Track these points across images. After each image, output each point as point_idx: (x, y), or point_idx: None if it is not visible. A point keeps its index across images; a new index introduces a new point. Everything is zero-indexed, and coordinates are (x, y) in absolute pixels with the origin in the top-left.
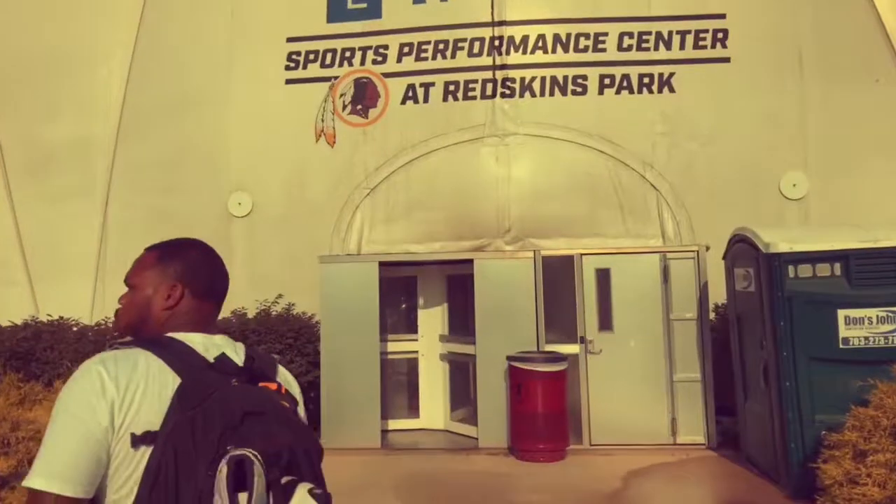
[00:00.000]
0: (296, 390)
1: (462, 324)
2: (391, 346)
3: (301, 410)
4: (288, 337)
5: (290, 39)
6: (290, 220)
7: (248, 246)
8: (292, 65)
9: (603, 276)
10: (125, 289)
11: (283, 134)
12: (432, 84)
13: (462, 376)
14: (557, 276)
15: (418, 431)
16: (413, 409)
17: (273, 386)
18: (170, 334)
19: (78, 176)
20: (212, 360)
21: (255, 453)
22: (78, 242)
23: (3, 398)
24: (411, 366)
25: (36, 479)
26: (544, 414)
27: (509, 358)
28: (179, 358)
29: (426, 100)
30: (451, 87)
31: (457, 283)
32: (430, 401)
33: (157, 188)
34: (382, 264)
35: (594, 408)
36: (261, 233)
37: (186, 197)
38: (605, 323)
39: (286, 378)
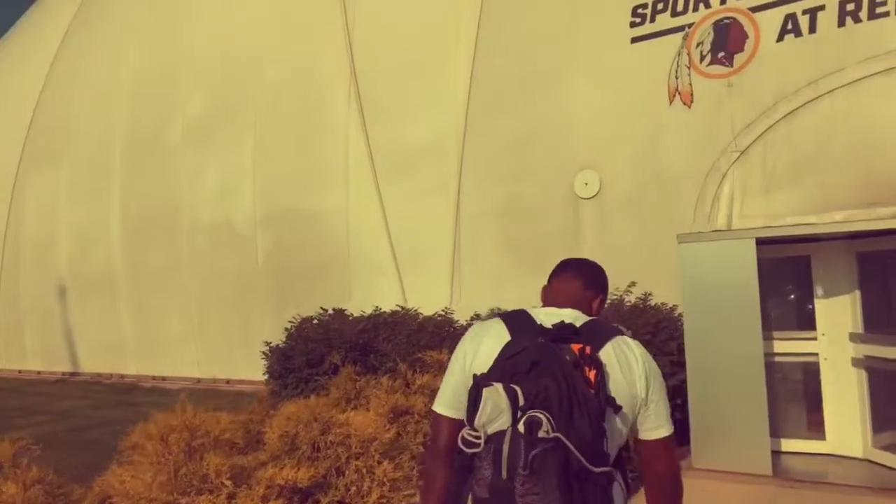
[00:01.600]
0: (626, 360)
1: (885, 318)
2: (777, 346)
3: (619, 373)
4: (645, 332)
5: None
6: (643, 198)
7: (596, 229)
8: (638, 20)
9: None
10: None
11: (631, 100)
12: (821, 7)
13: (889, 388)
14: None
15: (824, 457)
16: (815, 428)
17: (577, 347)
18: (529, 308)
19: (434, 172)
20: (548, 326)
21: (515, 387)
22: (436, 237)
23: (326, 397)
24: (808, 372)
25: (435, 406)
26: None
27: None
28: (514, 324)
29: (812, 29)
30: (850, 6)
31: (872, 264)
32: (839, 419)
33: (503, 177)
34: (761, 242)
35: None
36: (610, 214)
37: (532, 184)
38: None
39: (619, 350)
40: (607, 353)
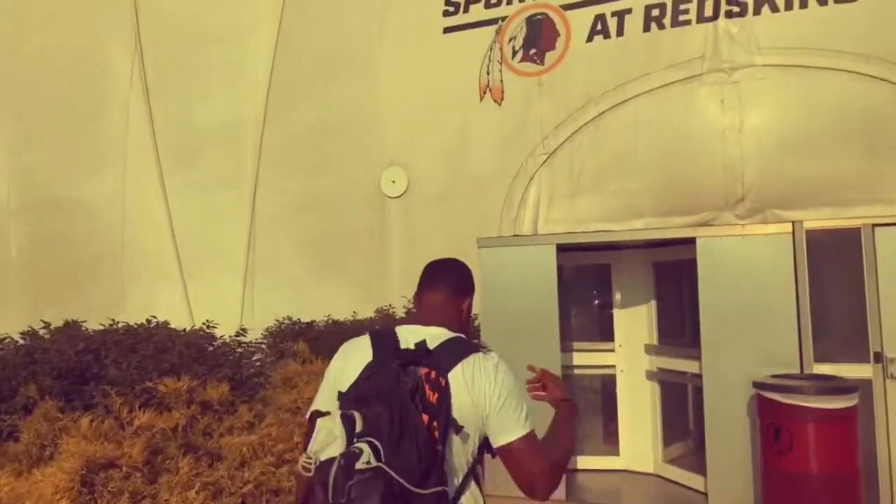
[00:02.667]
0: (474, 379)
1: (678, 329)
2: (577, 359)
3: (464, 393)
4: None
5: None
6: (452, 199)
7: (403, 232)
8: (451, 9)
9: None
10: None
11: (442, 94)
12: (628, 11)
13: (680, 402)
14: (829, 260)
15: (618, 474)
16: (611, 443)
17: (424, 371)
18: (398, 327)
19: (227, 162)
20: (408, 346)
21: (353, 414)
22: (228, 236)
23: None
24: (607, 384)
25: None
26: (822, 476)
27: (759, 385)
28: (379, 344)
29: (620, 32)
30: (655, 12)
31: (668, 273)
32: (633, 434)
33: (305, 171)
34: (563, 248)
35: None
36: (418, 215)
37: (336, 178)
38: None
39: (468, 370)
40: (456, 375)
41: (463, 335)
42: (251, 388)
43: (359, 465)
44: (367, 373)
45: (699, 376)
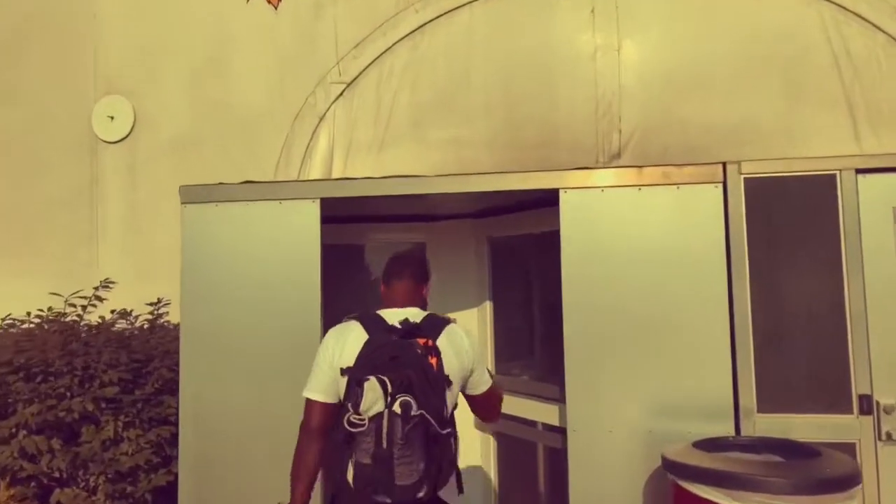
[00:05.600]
0: (456, 344)
1: (525, 348)
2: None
3: (452, 356)
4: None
5: None
6: (202, 145)
7: (126, 193)
8: None
9: None
10: None
11: None
12: None
13: (529, 475)
14: (782, 225)
15: None
16: None
17: (421, 341)
18: (378, 311)
19: None
20: (394, 324)
21: (384, 378)
22: None
23: None
24: None
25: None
26: None
27: (673, 466)
28: (370, 325)
29: None
30: None
31: (513, 258)
32: None
33: None
34: (344, 219)
35: None
36: (149, 169)
37: (19, 113)
38: None
39: (450, 337)
40: (442, 342)
41: (434, 313)
42: None
43: (412, 413)
44: (371, 347)
45: (559, 430)
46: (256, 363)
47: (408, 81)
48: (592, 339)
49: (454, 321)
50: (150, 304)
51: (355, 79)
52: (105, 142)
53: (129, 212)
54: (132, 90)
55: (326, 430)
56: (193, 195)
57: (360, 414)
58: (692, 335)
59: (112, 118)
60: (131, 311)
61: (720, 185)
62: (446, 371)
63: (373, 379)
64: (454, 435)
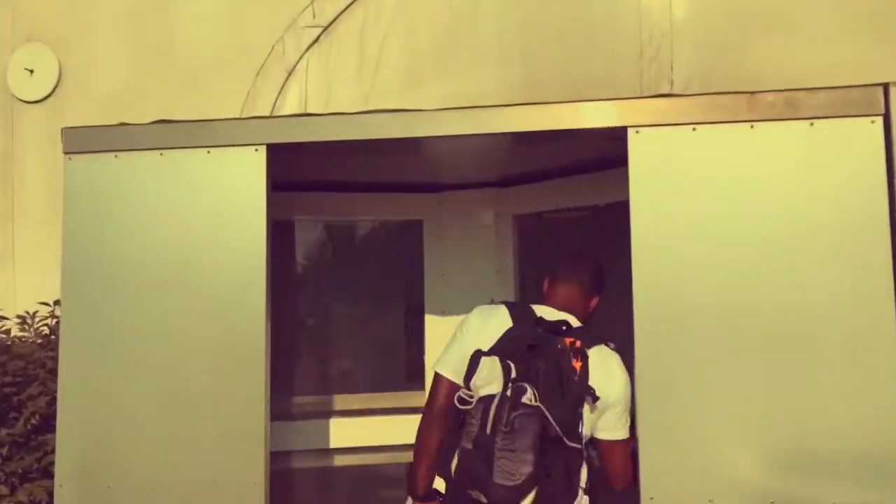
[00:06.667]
0: (606, 365)
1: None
2: (342, 432)
3: (602, 375)
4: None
5: None
6: (143, 103)
7: (48, 167)
8: None
9: None
10: None
11: None
12: None
13: None
14: None
15: None
16: None
17: (569, 340)
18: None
19: None
20: (543, 318)
21: (510, 362)
22: None
23: None
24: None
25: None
26: None
27: None
28: (517, 313)
29: None
30: None
31: (548, 238)
32: None
33: None
34: (280, 152)
35: None
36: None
37: None
38: None
39: (601, 355)
40: (594, 354)
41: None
42: None
43: (524, 400)
44: (512, 334)
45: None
46: (172, 387)
47: (400, 24)
48: (680, 356)
49: (611, 345)
50: (46, 304)
51: (333, 21)
52: (23, 101)
53: (52, 188)
54: (57, 37)
55: (450, 412)
56: (82, 141)
57: (469, 390)
58: (843, 346)
59: (31, 72)
60: (35, 312)
61: (879, 119)
62: (591, 383)
63: (494, 357)
64: (589, 461)
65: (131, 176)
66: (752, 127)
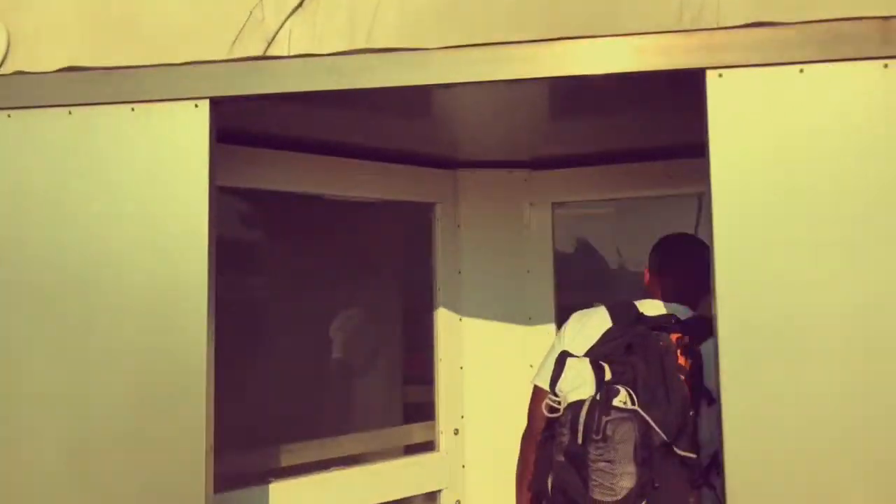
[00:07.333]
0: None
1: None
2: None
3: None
4: None
5: None
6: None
7: None
8: None
9: None
10: None
11: None
12: None
13: None
14: None
15: None
16: None
17: (675, 336)
18: (637, 301)
19: None
20: (647, 315)
21: (604, 364)
22: None
23: None
24: None
25: (537, 380)
26: None
27: None
28: (617, 313)
29: None
30: None
31: (596, 231)
32: None
33: None
34: (230, 107)
35: None
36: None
37: None
38: None
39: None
40: (708, 349)
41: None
42: None
43: (616, 402)
44: (610, 336)
45: None
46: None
47: None
48: (789, 373)
49: None
50: None
51: None
52: None
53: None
54: (5, 5)
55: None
56: None
57: (556, 395)
58: None
59: None
60: None
61: None
62: (706, 383)
63: (584, 358)
64: (701, 468)
65: (29, 142)
66: (885, 66)
